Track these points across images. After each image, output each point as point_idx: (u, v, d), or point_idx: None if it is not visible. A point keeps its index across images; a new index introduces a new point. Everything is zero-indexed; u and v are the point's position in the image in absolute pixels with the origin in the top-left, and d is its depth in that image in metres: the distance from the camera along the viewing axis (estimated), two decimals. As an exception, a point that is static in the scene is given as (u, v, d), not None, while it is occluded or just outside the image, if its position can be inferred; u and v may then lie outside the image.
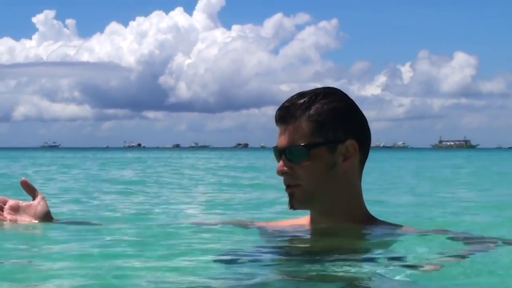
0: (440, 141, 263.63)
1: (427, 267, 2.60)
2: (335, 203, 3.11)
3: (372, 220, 3.20)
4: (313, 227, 3.22)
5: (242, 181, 14.30)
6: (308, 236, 3.23)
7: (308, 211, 3.24)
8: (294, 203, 3.10)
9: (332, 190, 3.09)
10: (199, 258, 2.91)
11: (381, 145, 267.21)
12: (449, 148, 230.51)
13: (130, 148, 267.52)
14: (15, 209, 3.46)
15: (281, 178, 3.12)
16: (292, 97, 3.12)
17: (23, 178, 3.50)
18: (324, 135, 3.04)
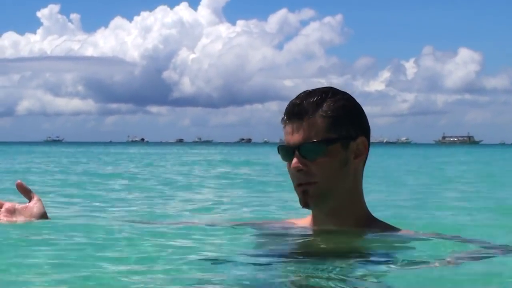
0: (444, 137, 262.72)
1: (442, 262, 2.65)
2: (343, 202, 3.10)
3: (373, 221, 3.20)
4: (315, 228, 3.21)
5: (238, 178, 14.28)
6: (311, 237, 3.22)
7: (309, 212, 3.24)
8: (309, 201, 3.05)
9: (344, 188, 3.09)
10: (197, 258, 2.92)
11: (384, 140, 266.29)
12: (453, 144, 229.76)
13: (134, 142, 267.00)
14: (11, 212, 3.42)
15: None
16: (300, 95, 3.09)
17: (19, 181, 3.47)
18: (338, 131, 3.04)
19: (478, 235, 3.64)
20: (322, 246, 3.09)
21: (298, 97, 3.09)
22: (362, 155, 3.12)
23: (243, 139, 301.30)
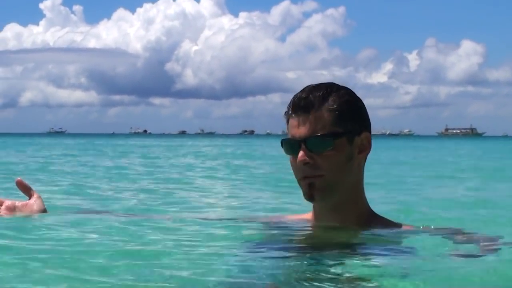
0: (446, 129, 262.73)
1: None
2: (346, 197, 3.09)
3: (374, 217, 3.19)
4: (317, 223, 3.20)
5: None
6: (312, 232, 3.22)
7: (310, 209, 3.23)
8: (315, 193, 3.03)
9: (349, 183, 3.08)
10: (198, 252, 2.92)
11: (387, 132, 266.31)
12: (455, 136, 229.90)
13: (136, 134, 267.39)
14: (12, 209, 3.46)
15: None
16: (305, 89, 3.08)
17: (18, 178, 3.51)
18: (344, 126, 3.02)
19: (481, 229, 3.62)
20: (323, 241, 3.08)
21: (303, 90, 3.07)
22: (366, 150, 3.11)
23: (245, 131, 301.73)
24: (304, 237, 3.21)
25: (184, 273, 2.52)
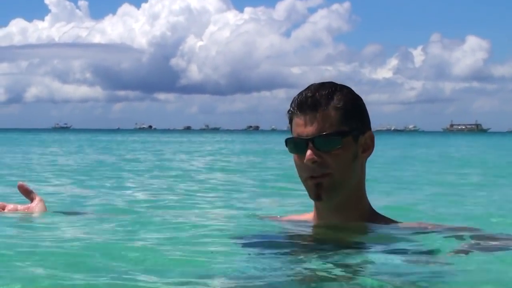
0: (452, 125, 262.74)
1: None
2: (350, 196, 3.08)
3: (375, 215, 3.19)
4: (319, 223, 3.19)
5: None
6: (315, 232, 3.21)
7: (311, 209, 3.23)
8: (322, 193, 3.02)
9: (353, 181, 3.08)
10: (200, 250, 2.92)
11: (392, 128, 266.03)
12: (460, 131, 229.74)
13: (141, 130, 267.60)
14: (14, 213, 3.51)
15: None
16: (310, 87, 3.06)
17: (20, 182, 3.54)
18: (349, 124, 3.02)
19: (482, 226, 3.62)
20: (327, 240, 3.07)
21: (307, 89, 3.05)
22: (369, 150, 3.11)
23: (250, 127, 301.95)
24: (306, 236, 3.19)
25: (183, 272, 2.52)
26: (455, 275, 2.51)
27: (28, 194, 3.55)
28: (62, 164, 15.38)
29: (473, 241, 2.96)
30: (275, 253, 2.83)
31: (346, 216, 3.10)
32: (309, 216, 3.27)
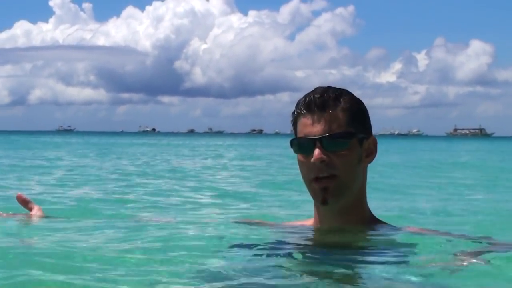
0: (455, 129, 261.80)
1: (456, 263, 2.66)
2: (354, 200, 3.09)
3: (375, 220, 3.20)
4: (321, 227, 3.18)
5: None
6: (316, 236, 3.21)
7: (311, 215, 3.24)
8: (328, 197, 3.01)
9: (357, 185, 3.09)
10: (201, 255, 2.93)
11: (396, 132, 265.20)
12: (464, 136, 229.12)
13: (145, 133, 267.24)
14: None
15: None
16: (317, 89, 3.07)
17: (18, 193, 3.60)
18: (355, 127, 3.03)
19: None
20: (329, 244, 3.07)
21: (314, 91, 3.06)
22: (372, 155, 3.13)
23: (254, 130, 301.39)
24: (308, 241, 3.20)
25: (185, 276, 2.53)
26: (456, 279, 2.51)
27: (26, 204, 3.60)
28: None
29: (470, 249, 2.96)
30: (276, 258, 2.84)
31: (347, 220, 3.10)
32: (310, 221, 3.28)
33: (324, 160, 2.97)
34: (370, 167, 3.17)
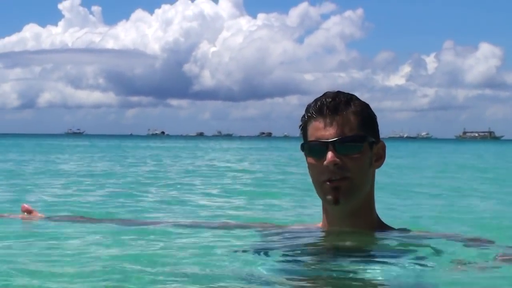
0: (464, 132, 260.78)
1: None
2: (364, 203, 3.12)
3: (383, 225, 3.23)
4: (330, 229, 3.20)
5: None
6: (325, 239, 3.22)
7: (320, 219, 3.26)
8: (340, 197, 3.02)
9: (367, 188, 3.11)
10: (205, 257, 2.97)
11: (405, 135, 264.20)
12: (474, 139, 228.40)
13: (154, 136, 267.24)
14: None
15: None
16: (327, 94, 3.09)
17: (23, 205, 3.96)
18: (366, 131, 3.06)
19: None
20: (338, 247, 3.08)
21: (325, 95, 3.08)
22: (381, 159, 3.16)
23: (263, 133, 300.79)
24: (315, 244, 3.20)
25: (192, 278, 2.57)
26: (465, 282, 2.56)
27: (30, 214, 3.96)
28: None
29: (484, 251, 3.00)
30: (284, 260, 2.86)
31: (356, 223, 3.12)
32: (318, 224, 3.30)
33: (338, 163, 2.99)
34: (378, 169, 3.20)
